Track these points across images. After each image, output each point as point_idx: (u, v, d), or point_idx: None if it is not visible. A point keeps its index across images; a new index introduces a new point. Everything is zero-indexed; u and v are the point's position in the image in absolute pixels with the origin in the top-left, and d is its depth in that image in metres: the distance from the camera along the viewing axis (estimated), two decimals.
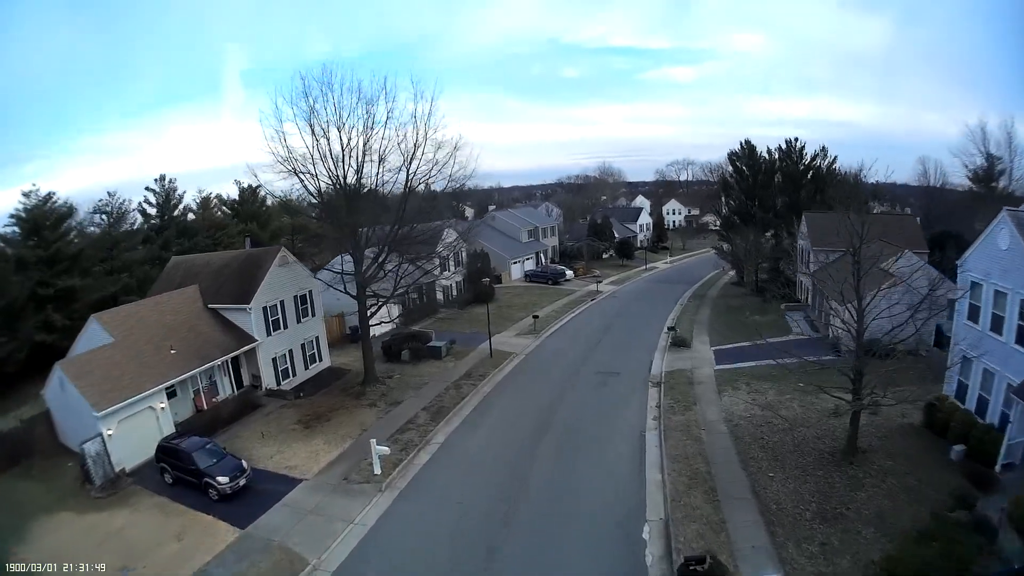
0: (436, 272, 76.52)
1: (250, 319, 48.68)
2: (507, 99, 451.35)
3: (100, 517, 32.52)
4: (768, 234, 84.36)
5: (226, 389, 48.04)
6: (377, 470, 35.40)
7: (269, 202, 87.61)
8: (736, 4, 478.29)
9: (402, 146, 47.93)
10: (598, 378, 51.60)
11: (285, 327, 51.85)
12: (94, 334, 42.04)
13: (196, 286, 50.74)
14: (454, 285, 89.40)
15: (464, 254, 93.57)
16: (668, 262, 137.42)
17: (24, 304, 59.24)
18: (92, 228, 77.25)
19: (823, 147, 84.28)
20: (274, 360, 50.68)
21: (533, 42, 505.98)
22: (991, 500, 26.72)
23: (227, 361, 47.48)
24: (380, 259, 50.31)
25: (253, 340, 48.69)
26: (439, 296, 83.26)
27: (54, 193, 66.24)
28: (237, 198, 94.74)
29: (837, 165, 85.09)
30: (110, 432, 36.26)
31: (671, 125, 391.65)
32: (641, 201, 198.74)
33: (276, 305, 50.96)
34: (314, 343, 55.58)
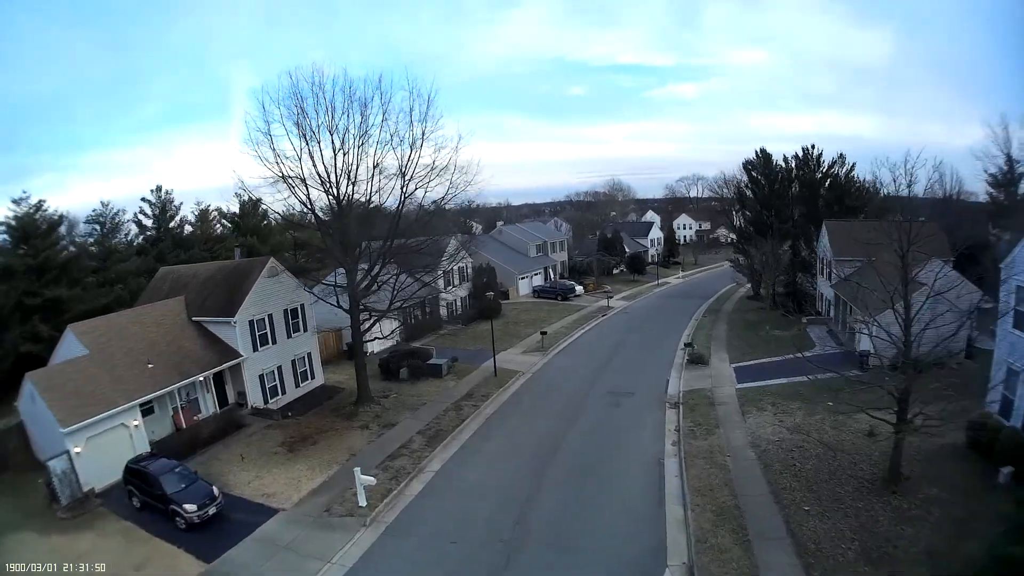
0: (440, 286, 73.87)
1: (235, 333, 45.91)
2: (514, 118, 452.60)
3: (63, 540, 30.12)
4: (786, 246, 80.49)
5: (208, 407, 45.06)
6: (362, 502, 31.83)
7: (271, 216, 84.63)
8: (739, 21, 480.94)
9: (398, 151, 45.34)
10: (610, 399, 47.76)
11: (273, 342, 48.89)
12: (71, 345, 40.07)
13: (182, 298, 48.53)
14: (459, 300, 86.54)
15: (469, 268, 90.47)
16: (680, 277, 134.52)
17: (10, 313, 57.59)
18: (86, 238, 76.10)
19: (840, 154, 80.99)
20: (261, 377, 47.76)
21: (539, 60, 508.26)
22: None
23: (209, 377, 44.58)
24: (374, 271, 47.36)
25: (238, 355, 45.90)
26: (443, 311, 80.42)
27: (44, 201, 64.37)
28: (238, 211, 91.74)
29: (855, 173, 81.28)
30: (78, 450, 34.02)
31: (677, 142, 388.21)
32: (651, 216, 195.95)
33: (264, 319, 48.08)
34: (305, 359, 52.52)
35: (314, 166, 43.70)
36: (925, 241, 53.20)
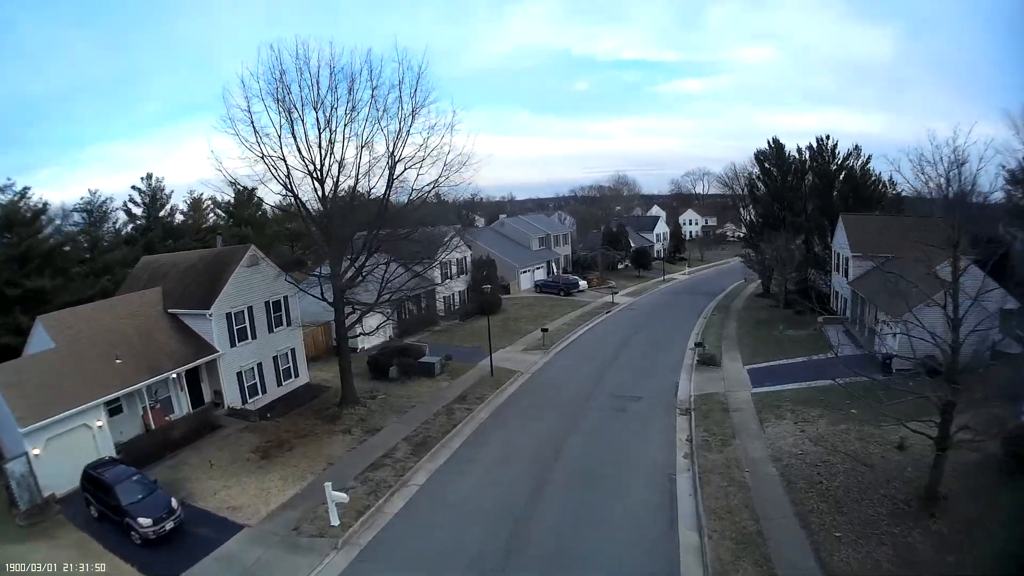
0: (436, 279, 70.97)
1: (211, 327, 42.52)
2: (519, 113, 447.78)
3: (18, 550, 27.37)
4: (798, 240, 76.96)
5: (182, 406, 41.82)
6: (334, 520, 28.25)
7: (265, 206, 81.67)
8: (744, 18, 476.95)
9: (387, 129, 42.03)
10: (615, 403, 44.10)
11: (253, 337, 45.44)
12: (41, 338, 37.54)
13: (159, 288, 45.36)
14: (456, 294, 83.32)
15: (468, 261, 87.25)
16: (687, 273, 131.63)
17: None
18: (73, 228, 73.20)
19: (856, 145, 77.39)
20: (239, 375, 44.38)
21: (545, 54, 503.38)
22: None
23: (182, 374, 41.30)
24: (359, 261, 44.31)
25: (214, 351, 42.53)
26: (439, 306, 77.04)
27: (29, 188, 61.18)
28: (232, 200, 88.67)
29: (871, 166, 77.61)
30: (36, 452, 31.32)
31: (683, 138, 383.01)
32: (657, 211, 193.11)
33: (243, 312, 44.65)
34: (288, 356, 49.01)
35: (296, 146, 40.61)
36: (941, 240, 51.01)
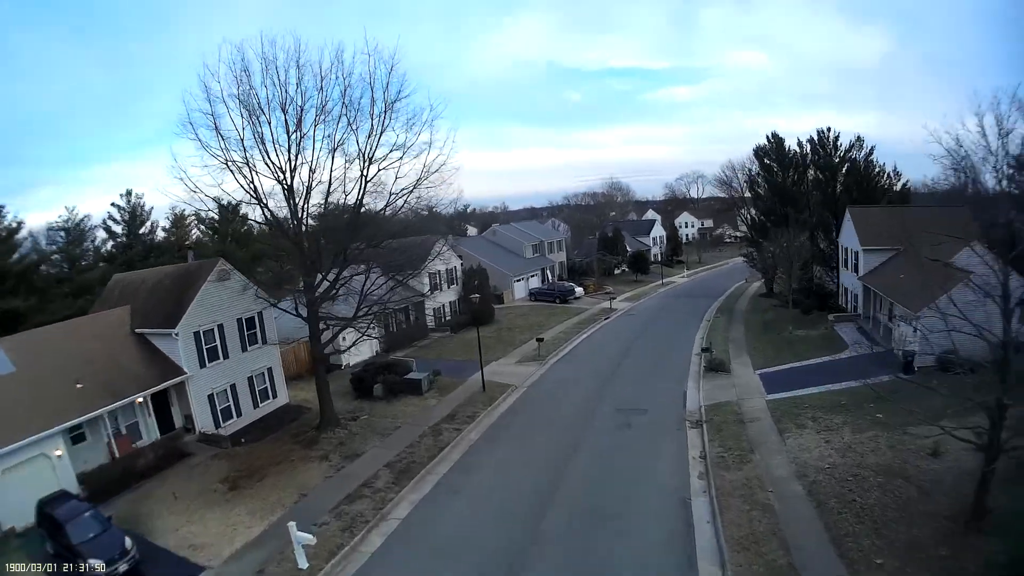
0: (424, 290, 67.74)
1: (177, 347, 39.50)
2: (511, 126, 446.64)
3: None
4: (803, 237, 73.70)
5: (150, 433, 38.77)
6: (302, 563, 24.77)
7: (252, 221, 78.50)
8: (733, 23, 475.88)
9: (360, 127, 39.00)
10: (619, 418, 40.33)
11: (225, 357, 42.47)
12: (1, 362, 34.42)
13: (127, 307, 42.80)
14: (447, 305, 79.95)
15: (459, 270, 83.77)
16: (685, 276, 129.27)
17: None
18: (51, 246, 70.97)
19: (858, 136, 74.18)
20: (210, 397, 41.28)
21: (535, 66, 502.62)
22: None
23: (148, 398, 38.10)
24: (332, 273, 41.54)
25: (181, 372, 39.52)
26: (429, 318, 73.57)
27: (3, 207, 59.66)
28: (217, 215, 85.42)
29: (875, 157, 74.36)
30: None
31: (676, 145, 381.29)
32: (652, 215, 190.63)
33: (212, 330, 41.67)
34: (265, 376, 45.72)
35: (263, 149, 37.53)
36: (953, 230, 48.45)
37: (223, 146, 36.75)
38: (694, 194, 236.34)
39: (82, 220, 74.00)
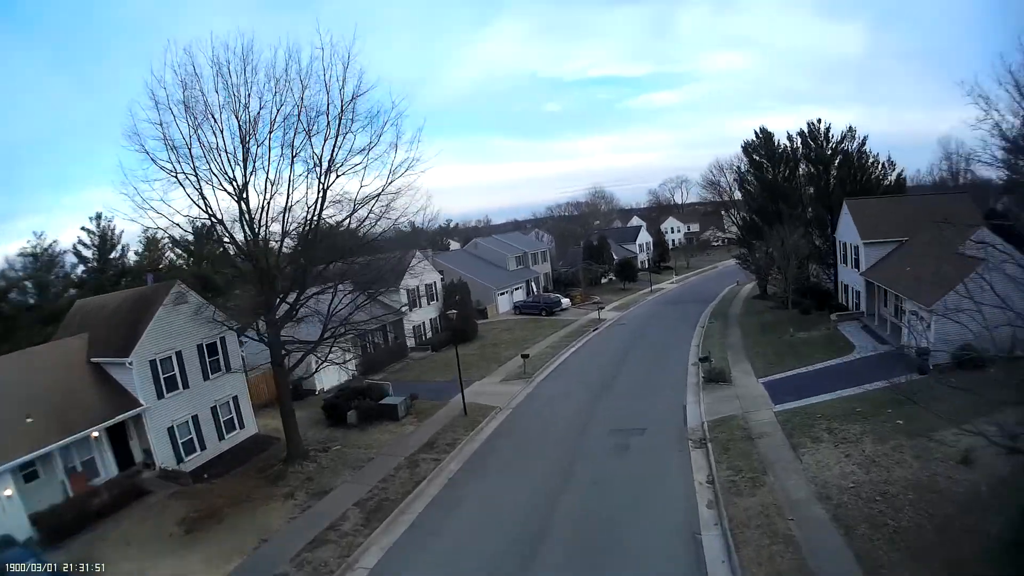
0: (403, 308, 64.27)
1: (132, 376, 36.21)
2: (493, 138, 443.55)
3: None
4: (798, 233, 70.69)
5: (108, 469, 35.64)
6: None
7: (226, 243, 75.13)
8: (712, 25, 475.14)
9: (316, 135, 35.75)
10: (615, 439, 36.50)
11: (185, 386, 39.09)
12: None
13: (85, 335, 39.47)
14: (428, 323, 76.33)
15: (439, 286, 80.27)
16: (674, 281, 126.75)
17: None
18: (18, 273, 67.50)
19: (850, 127, 70.97)
20: (170, 430, 37.97)
21: (515, 78, 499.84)
22: None
23: (104, 432, 35.25)
24: (299, 291, 38.08)
25: (138, 404, 36.24)
26: (408, 337, 69.91)
27: None
28: (192, 237, 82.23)
29: (868, 147, 71.40)
30: None
31: (659, 151, 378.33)
32: (638, 222, 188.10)
33: (170, 358, 38.30)
34: (230, 405, 42.30)
35: (216, 159, 34.71)
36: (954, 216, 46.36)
37: (174, 158, 34.06)
38: (679, 199, 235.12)
39: (51, 245, 70.52)
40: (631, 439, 36.19)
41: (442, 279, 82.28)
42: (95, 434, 34.51)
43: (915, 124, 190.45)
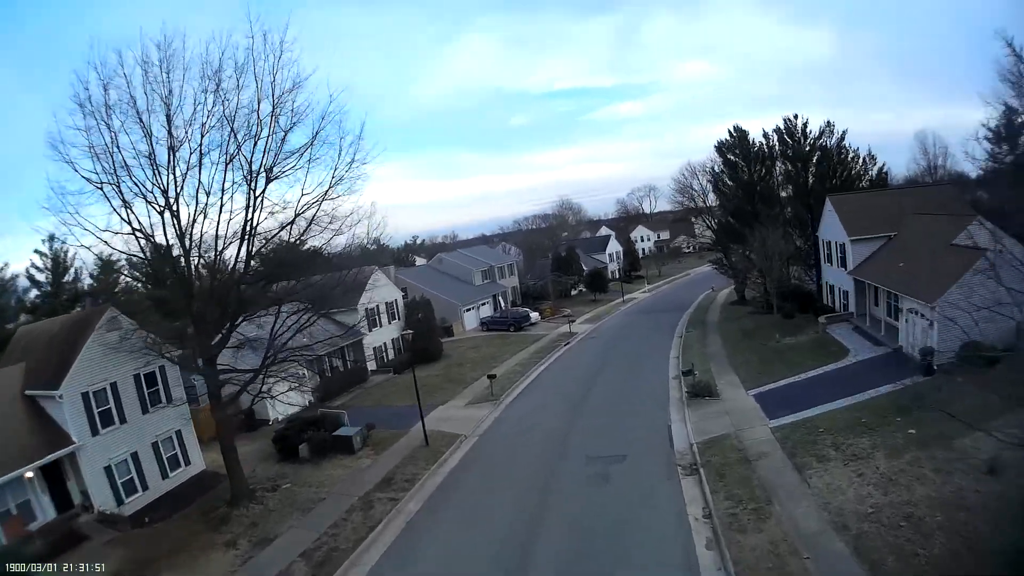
0: (362, 327, 59.79)
1: (62, 410, 33.08)
2: (460, 153, 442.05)
3: None
4: (777, 234, 67.59)
5: (46, 512, 32.64)
6: None
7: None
8: (677, 34, 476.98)
9: (244, 137, 31.94)
10: (593, 468, 32.25)
11: (122, 421, 35.64)
12: None
13: (22, 365, 36.38)
14: (390, 343, 72.10)
15: (400, 304, 76.12)
16: (647, 291, 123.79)
17: None
18: None
19: (828, 121, 67.88)
20: (108, 469, 34.47)
21: (480, 93, 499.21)
22: None
23: (39, 472, 32.30)
24: (227, 322, 34.98)
25: (70, 441, 32.97)
26: (369, 359, 65.91)
27: None
28: (149, 259, 78.20)
29: (848, 142, 68.54)
30: None
31: (627, 161, 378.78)
32: (607, 231, 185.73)
33: (104, 390, 34.90)
34: (173, 441, 38.66)
35: (148, 165, 31.29)
36: (943, 207, 48.53)
37: (99, 168, 30.69)
38: (647, 208, 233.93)
39: (1, 269, 67.34)
40: (611, 467, 32.00)
41: (404, 296, 78.41)
42: (29, 474, 31.48)
43: (882, 125, 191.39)
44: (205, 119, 31.27)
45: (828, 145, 67.07)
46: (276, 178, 32.81)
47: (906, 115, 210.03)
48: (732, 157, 75.30)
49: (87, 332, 35.27)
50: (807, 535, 22.31)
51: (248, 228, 32.97)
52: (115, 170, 30.66)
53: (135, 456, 36.15)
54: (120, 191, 31.09)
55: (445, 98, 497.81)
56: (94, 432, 34.28)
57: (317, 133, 32.64)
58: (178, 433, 38.97)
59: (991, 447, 21.30)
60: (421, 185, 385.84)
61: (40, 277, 71.10)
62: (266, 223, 33.72)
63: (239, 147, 31.77)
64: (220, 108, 31.26)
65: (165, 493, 37.13)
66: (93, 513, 33.58)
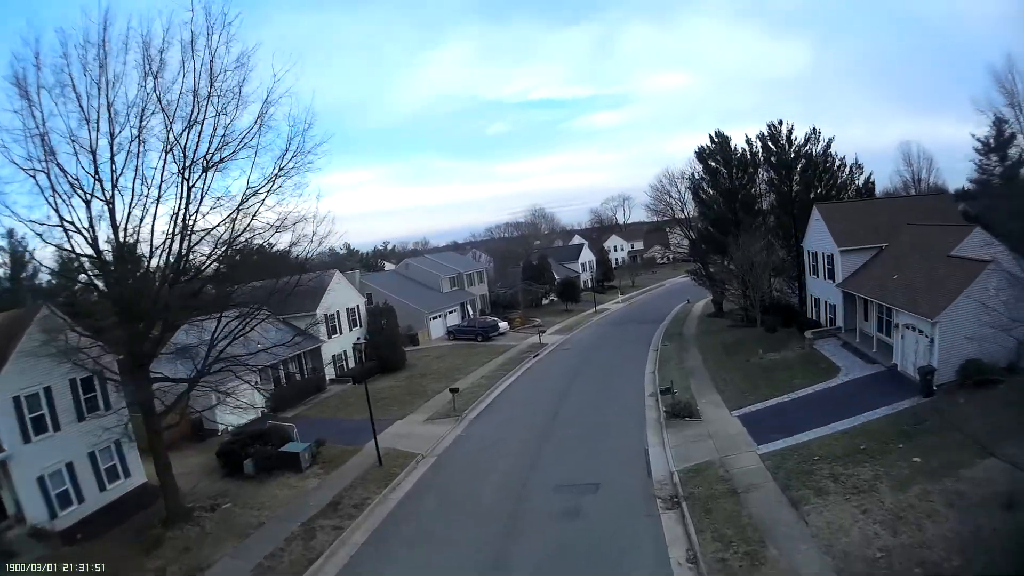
0: (321, 336, 57.69)
1: None
2: (433, 160, 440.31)
3: None
4: (759, 245, 65.08)
5: None
6: None
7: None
8: (654, 46, 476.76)
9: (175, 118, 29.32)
10: (562, 500, 28.76)
11: (56, 428, 33.29)
12: None
13: None
14: (351, 351, 68.71)
15: (362, 310, 72.67)
16: (620, 301, 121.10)
17: None
18: None
19: (814, 128, 65.75)
20: (41, 480, 32.28)
21: (457, 100, 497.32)
22: None
23: None
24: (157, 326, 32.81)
25: (1, 449, 30.64)
26: (328, 367, 62.54)
27: None
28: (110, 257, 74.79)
29: (834, 150, 66.37)
30: None
31: (601, 171, 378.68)
32: (580, 241, 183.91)
33: (37, 395, 32.64)
34: (112, 451, 36.17)
35: (78, 153, 28.89)
36: (939, 217, 47.92)
37: (34, 153, 28.18)
38: (621, 218, 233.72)
39: None
40: (583, 499, 28.53)
41: (368, 303, 75.25)
42: None
43: (858, 139, 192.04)
44: (143, 102, 28.76)
45: (814, 153, 64.99)
46: (213, 167, 30.22)
47: (881, 129, 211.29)
48: (713, 164, 73.12)
49: (20, 333, 32.82)
50: None
51: (181, 222, 30.41)
52: (44, 154, 28.21)
53: (71, 466, 33.95)
54: (48, 176, 28.55)
55: (421, 105, 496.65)
56: (26, 440, 32.09)
57: (261, 116, 30.13)
58: (117, 443, 36.22)
59: (1005, 476, 20.22)
60: (395, 191, 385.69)
61: None
62: (209, 218, 31.35)
63: (168, 119, 29.29)
64: (156, 91, 28.73)
65: (103, 507, 34.98)
66: (26, 526, 31.15)
